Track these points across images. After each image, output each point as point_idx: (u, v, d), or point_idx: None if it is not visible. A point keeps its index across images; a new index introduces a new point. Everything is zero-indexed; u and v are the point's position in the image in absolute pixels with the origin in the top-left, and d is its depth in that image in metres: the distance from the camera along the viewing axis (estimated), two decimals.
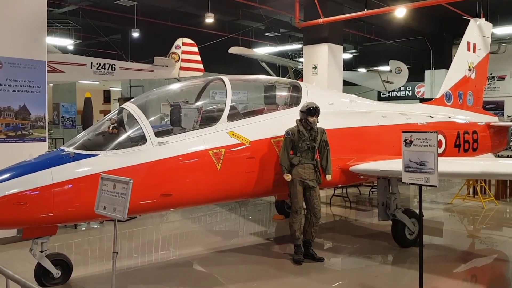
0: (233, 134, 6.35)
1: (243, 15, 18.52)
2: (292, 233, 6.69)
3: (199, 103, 6.82)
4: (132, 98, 7.08)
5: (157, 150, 5.64)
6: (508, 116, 19.79)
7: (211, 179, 6.00)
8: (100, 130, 5.95)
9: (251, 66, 19.11)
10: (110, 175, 4.80)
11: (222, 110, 6.48)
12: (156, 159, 5.58)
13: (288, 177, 6.52)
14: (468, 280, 6.32)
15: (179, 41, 17.41)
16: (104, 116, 6.77)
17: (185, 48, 17.39)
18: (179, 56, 17.21)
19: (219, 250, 7.29)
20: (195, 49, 17.55)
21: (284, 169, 6.52)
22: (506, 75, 21.05)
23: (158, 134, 5.84)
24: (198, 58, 17.56)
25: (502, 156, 12.27)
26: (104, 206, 4.62)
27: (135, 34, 18.35)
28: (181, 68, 17.13)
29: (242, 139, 6.40)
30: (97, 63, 15.77)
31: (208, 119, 6.52)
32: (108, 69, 15.96)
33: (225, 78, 6.92)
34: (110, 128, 5.81)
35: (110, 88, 31.33)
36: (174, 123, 6.24)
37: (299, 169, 6.57)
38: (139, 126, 5.77)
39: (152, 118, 6.18)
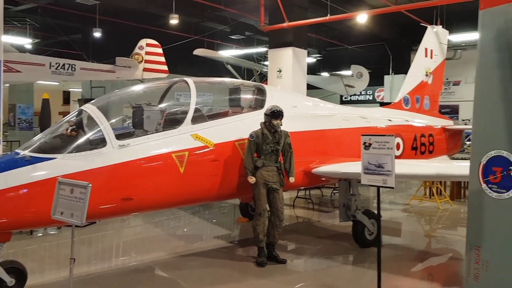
0: (197, 137, 6.32)
1: (208, 17, 18.50)
2: (256, 236, 6.72)
3: (162, 105, 6.73)
4: (93, 99, 6.93)
5: (117, 153, 5.54)
6: (463, 120, 20.57)
7: (174, 182, 5.95)
8: (58, 132, 5.78)
9: (217, 68, 19.09)
10: (68, 180, 4.68)
11: (186, 113, 6.43)
12: (117, 162, 5.48)
13: (252, 179, 6.55)
14: (425, 278, 6.53)
15: (142, 42, 17.19)
16: (63, 117, 6.59)
17: (149, 49, 17.18)
18: (142, 57, 16.98)
19: (182, 255, 7.24)
20: (159, 50, 17.36)
21: (248, 172, 6.55)
22: (461, 81, 21.92)
23: (119, 136, 5.74)
24: (162, 59, 17.37)
25: (456, 158, 12.73)
26: (61, 212, 4.50)
27: (97, 34, 18.00)
28: (145, 69, 16.90)
29: (206, 142, 6.38)
30: (56, 63, 15.35)
31: (172, 121, 6.45)
32: (68, 70, 15.55)
33: (190, 80, 6.88)
34: (69, 131, 5.65)
35: (70, 89, 30.52)
36: (136, 126, 6.13)
37: (263, 172, 6.62)
38: (99, 128, 5.65)
39: (113, 120, 6.04)
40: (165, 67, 17.37)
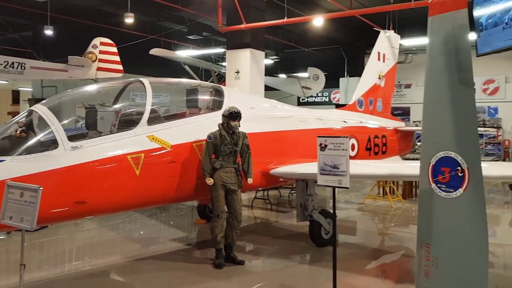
0: (153, 138, 6.23)
1: (165, 16, 18.23)
2: (214, 238, 6.70)
3: (117, 106, 6.57)
4: (44, 99, 6.68)
5: (70, 155, 5.37)
6: (414, 122, 21.32)
7: (130, 185, 5.83)
8: (6, 133, 5.55)
9: (174, 69, 18.85)
10: (17, 183, 4.50)
11: (141, 114, 6.33)
12: (69, 164, 5.32)
13: (210, 181, 6.53)
14: (379, 276, 6.72)
15: (96, 41, 16.71)
16: (12, 118, 6.33)
17: (103, 48, 16.72)
18: (96, 56, 16.51)
19: (137, 258, 7.11)
20: (114, 49, 16.93)
21: (206, 173, 6.52)
22: (412, 83, 22.70)
23: (71, 138, 5.57)
24: (117, 58, 16.95)
25: (408, 159, 13.18)
26: (10, 216, 4.32)
27: (48, 32, 17.32)
28: (98, 69, 16.44)
29: (163, 143, 6.30)
30: (4, 61, 14.69)
31: (127, 122, 6.33)
32: (17, 68, 14.92)
33: (145, 80, 6.77)
34: (18, 132, 5.45)
35: (20, 88, 29.20)
36: (89, 127, 5.97)
37: (221, 173, 6.61)
38: (50, 129, 5.46)
39: (65, 121, 5.84)
40: (120, 67, 16.96)
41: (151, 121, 6.34)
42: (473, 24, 4.44)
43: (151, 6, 16.42)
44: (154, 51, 16.38)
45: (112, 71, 16.65)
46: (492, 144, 20.75)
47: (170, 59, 17.78)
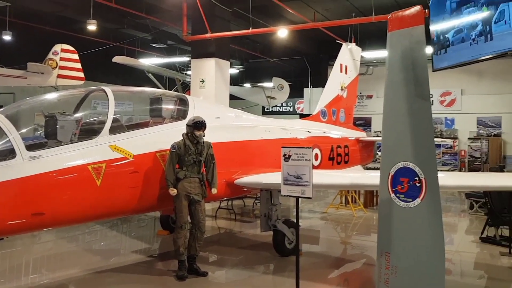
0: (115, 148, 6.12)
1: (128, 24, 18.00)
2: (176, 249, 6.63)
3: (78, 115, 6.41)
4: (1, 107, 6.46)
5: (28, 165, 5.20)
6: (375, 132, 21.87)
7: (90, 195, 5.70)
8: None
9: (137, 77, 18.61)
10: None
11: (103, 123, 6.21)
12: (27, 175, 5.14)
13: (173, 191, 6.47)
14: (341, 284, 6.83)
15: (57, 47, 16.30)
16: None
17: (64, 54, 16.33)
18: (56, 63, 16.10)
19: (98, 271, 6.93)
20: (75, 56, 16.56)
21: (169, 184, 6.46)
22: (373, 95, 23.32)
23: (29, 147, 5.39)
24: (78, 66, 16.58)
25: (370, 168, 13.48)
26: None
27: (7, 38, 16.77)
28: (59, 76, 16.03)
29: (125, 153, 6.19)
30: None
31: (88, 131, 6.19)
32: None
33: (108, 88, 6.66)
34: None
35: None
36: (49, 136, 5.80)
37: (184, 183, 6.56)
38: (7, 138, 5.27)
39: (24, 130, 5.66)
40: (81, 74, 16.59)
41: (113, 130, 6.22)
42: (429, 39, 4.64)
43: (115, 13, 16.20)
44: (117, 59, 16.13)
45: (73, 79, 16.26)
46: (449, 154, 21.52)
47: (133, 67, 17.55)
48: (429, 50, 4.68)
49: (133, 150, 6.26)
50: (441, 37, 4.39)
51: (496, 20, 3.70)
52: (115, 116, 6.37)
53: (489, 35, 3.84)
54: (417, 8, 4.68)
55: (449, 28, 4.27)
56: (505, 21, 3.59)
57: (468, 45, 4.14)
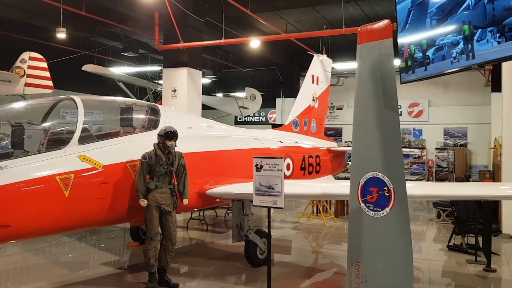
0: (84, 158, 6.01)
1: (99, 32, 17.78)
2: (147, 261, 6.53)
3: (46, 124, 6.27)
4: None
5: None
6: (346, 142, 22.19)
7: (58, 207, 5.56)
8: None
9: (108, 86, 18.36)
10: None
11: (72, 132, 6.09)
12: None
13: (143, 202, 6.38)
14: None
15: (25, 55, 15.91)
16: None
17: (32, 63, 15.94)
18: (24, 71, 15.69)
19: (65, 284, 6.75)
20: (44, 65, 16.18)
21: (140, 194, 6.37)
22: (344, 105, 23.70)
23: None
24: (47, 74, 16.20)
25: (341, 178, 13.66)
26: None
27: None
28: (27, 84, 15.62)
29: (95, 164, 6.09)
30: None
31: (57, 141, 6.06)
32: None
33: (77, 98, 6.55)
34: None
35: None
36: (15, 146, 5.64)
37: (155, 194, 6.49)
38: None
39: None
40: (50, 83, 16.21)
41: (82, 140, 6.12)
42: (397, 51, 4.75)
43: (85, 21, 16.00)
44: (87, 67, 15.90)
45: (41, 87, 15.87)
46: (417, 164, 22.03)
47: (104, 76, 17.31)
48: (397, 62, 4.79)
49: (102, 160, 6.16)
50: (420, 55, 4.43)
51: (478, 39, 3.73)
52: (84, 125, 6.26)
53: (470, 54, 3.82)
54: (385, 22, 4.81)
55: (429, 45, 4.31)
56: (487, 40, 3.63)
57: (449, 63, 4.10)
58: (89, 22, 16.24)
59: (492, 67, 15.60)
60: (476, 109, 20.82)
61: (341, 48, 17.47)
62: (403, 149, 16.62)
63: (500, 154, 11.21)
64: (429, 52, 4.34)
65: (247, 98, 20.08)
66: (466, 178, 13.95)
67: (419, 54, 4.47)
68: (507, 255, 8.90)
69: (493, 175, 13.82)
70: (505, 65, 10.31)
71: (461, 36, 3.91)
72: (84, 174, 5.92)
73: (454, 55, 4.05)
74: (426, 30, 4.37)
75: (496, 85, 16.56)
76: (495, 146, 14.59)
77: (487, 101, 19.15)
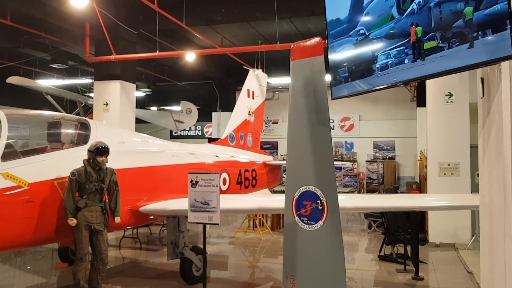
0: (8, 176, 5.65)
1: (26, 43, 16.86)
2: (76, 282, 6.22)
3: None
4: None
5: None
6: (281, 155, 22.55)
7: None
8: None
9: (35, 99, 17.43)
10: None
11: None
12: None
13: (72, 221, 6.09)
14: None
15: None
16: None
17: None
18: None
19: None
20: None
21: (68, 213, 6.08)
22: (279, 119, 24.14)
23: None
24: None
25: (277, 191, 13.83)
26: None
27: None
28: None
29: (19, 181, 5.73)
30: None
31: None
32: None
33: (0, 112, 6.16)
34: None
35: None
36: None
37: (85, 213, 6.22)
38: None
39: None
40: None
41: (6, 156, 5.76)
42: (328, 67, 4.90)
43: (11, 31, 15.10)
44: (12, 80, 15.04)
45: None
46: (349, 176, 22.82)
47: (30, 89, 16.43)
48: (328, 77, 4.94)
49: (28, 178, 5.82)
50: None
51: None
52: (8, 141, 5.91)
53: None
54: (316, 39, 4.97)
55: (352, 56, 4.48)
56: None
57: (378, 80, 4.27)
58: (15, 32, 15.35)
59: (417, 83, 16.60)
60: (403, 123, 21.98)
61: (276, 63, 17.81)
62: (336, 162, 17.14)
63: (426, 166, 11.88)
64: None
65: (183, 112, 19.88)
66: (395, 189, 14.66)
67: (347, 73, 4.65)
68: (434, 263, 9.39)
69: (420, 186, 14.60)
70: (428, 82, 11.01)
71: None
72: (8, 192, 5.57)
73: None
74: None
75: (420, 101, 17.63)
76: (420, 158, 15.47)
77: (412, 116, 20.29)
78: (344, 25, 4.66)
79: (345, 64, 4.78)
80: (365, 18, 4.33)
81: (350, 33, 4.67)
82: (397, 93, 20.77)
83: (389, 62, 4.07)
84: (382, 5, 4.11)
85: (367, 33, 4.38)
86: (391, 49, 4.05)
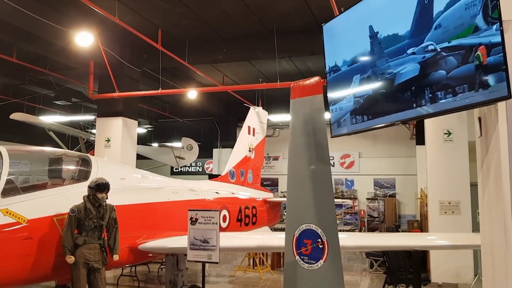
0: (7, 212, 5.63)
1: (30, 80, 17.14)
2: None
3: None
4: None
5: None
6: (282, 192, 22.46)
7: None
8: None
9: (37, 135, 17.56)
10: None
11: None
12: None
13: (70, 259, 6.02)
14: None
15: None
16: None
17: None
18: None
19: None
20: None
21: (66, 251, 6.01)
22: (280, 156, 24.16)
23: None
24: None
25: (277, 229, 13.68)
26: None
27: None
28: None
29: (18, 218, 5.72)
30: None
31: None
32: None
33: (2, 147, 6.22)
34: None
35: None
36: None
37: (83, 250, 6.15)
38: None
39: None
40: None
41: (6, 193, 5.76)
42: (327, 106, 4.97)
43: (16, 68, 15.39)
44: (16, 116, 15.20)
45: None
46: (350, 214, 22.63)
47: (33, 125, 16.58)
48: (327, 115, 5.00)
49: (27, 214, 5.80)
50: None
51: None
52: (9, 177, 5.93)
53: None
54: (316, 78, 5.07)
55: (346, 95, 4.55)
56: None
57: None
58: (20, 69, 15.65)
59: (415, 122, 16.74)
60: (402, 160, 21.97)
61: (277, 101, 18.01)
62: (336, 200, 17.02)
63: (426, 204, 11.81)
64: None
65: (184, 148, 19.96)
66: (396, 228, 14.53)
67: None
68: None
69: (421, 224, 14.47)
70: (427, 120, 11.11)
71: None
72: (6, 229, 5.54)
73: None
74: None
75: (420, 139, 17.70)
76: (421, 196, 15.40)
77: (412, 153, 20.31)
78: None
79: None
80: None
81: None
82: (396, 131, 20.89)
83: None
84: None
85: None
86: None
